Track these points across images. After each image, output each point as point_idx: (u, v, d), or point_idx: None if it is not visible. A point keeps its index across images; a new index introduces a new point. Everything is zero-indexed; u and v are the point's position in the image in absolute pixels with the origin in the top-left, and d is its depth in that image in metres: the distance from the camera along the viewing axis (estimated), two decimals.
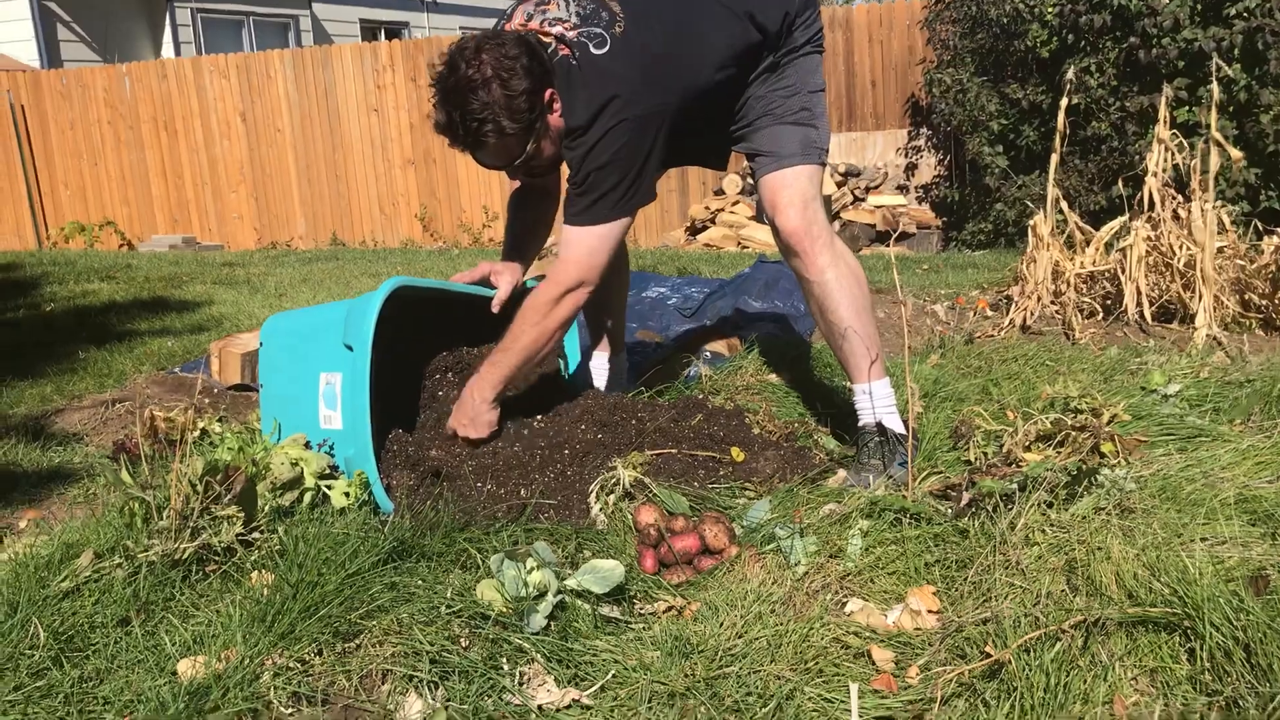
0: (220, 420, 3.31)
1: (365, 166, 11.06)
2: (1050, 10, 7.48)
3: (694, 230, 9.48)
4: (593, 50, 2.57)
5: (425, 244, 10.87)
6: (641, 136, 2.59)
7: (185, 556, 2.24)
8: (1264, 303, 4.32)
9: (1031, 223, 4.63)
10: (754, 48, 2.73)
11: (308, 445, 2.70)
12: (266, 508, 2.45)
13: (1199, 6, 6.86)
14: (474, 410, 2.73)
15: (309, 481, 2.56)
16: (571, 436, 2.83)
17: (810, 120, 2.80)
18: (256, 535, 2.35)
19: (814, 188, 2.78)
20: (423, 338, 3.01)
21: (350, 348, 2.61)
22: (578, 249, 2.68)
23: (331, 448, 2.70)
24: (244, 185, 11.44)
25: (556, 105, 2.59)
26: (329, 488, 2.57)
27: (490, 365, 2.74)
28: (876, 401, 2.77)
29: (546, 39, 2.61)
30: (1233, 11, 6.60)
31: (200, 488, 2.34)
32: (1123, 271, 4.46)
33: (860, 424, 2.81)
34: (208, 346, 4.36)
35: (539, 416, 2.94)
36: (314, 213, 11.31)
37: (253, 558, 2.26)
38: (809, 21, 2.81)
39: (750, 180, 7.79)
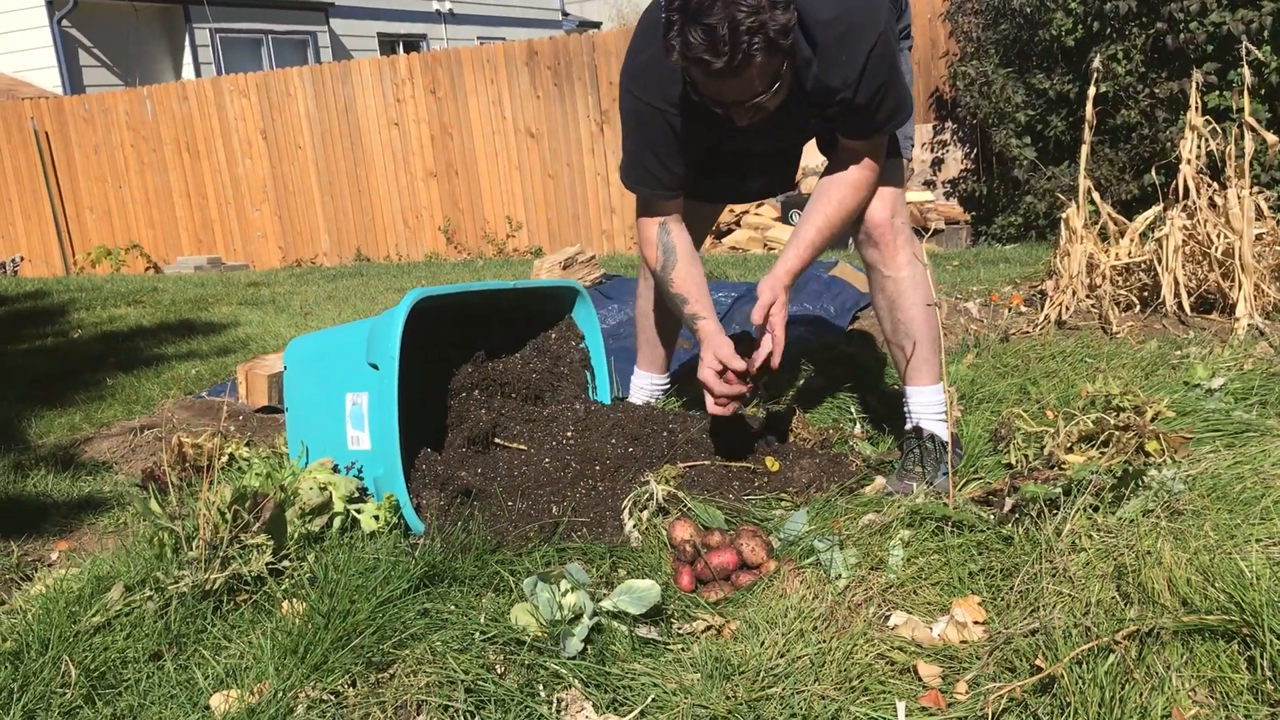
0: (248, 444, 3.29)
1: (387, 180, 11.07)
2: None
3: (719, 234, 9.42)
4: None
5: (450, 256, 10.87)
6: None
7: (216, 587, 2.22)
8: None
9: (1064, 215, 4.55)
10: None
11: (336, 468, 2.68)
12: (296, 534, 2.42)
13: None
14: (783, 289, 2.58)
15: (338, 506, 2.53)
16: (602, 451, 2.79)
17: (911, 114, 2.72)
18: (286, 563, 2.32)
19: (902, 181, 2.73)
20: (448, 354, 2.97)
21: (375, 366, 2.58)
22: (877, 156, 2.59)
23: (360, 469, 2.68)
24: (267, 203, 11.49)
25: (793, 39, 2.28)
26: (358, 511, 2.54)
27: (798, 248, 2.58)
28: (927, 408, 2.71)
29: None
30: None
31: (229, 516, 2.31)
32: (1159, 262, 4.37)
33: (907, 428, 2.75)
34: (234, 369, 4.35)
35: (570, 431, 2.90)
36: (338, 228, 11.34)
37: (283, 587, 2.23)
38: (907, 6, 2.75)
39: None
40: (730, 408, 2.60)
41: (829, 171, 2.59)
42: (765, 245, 9.02)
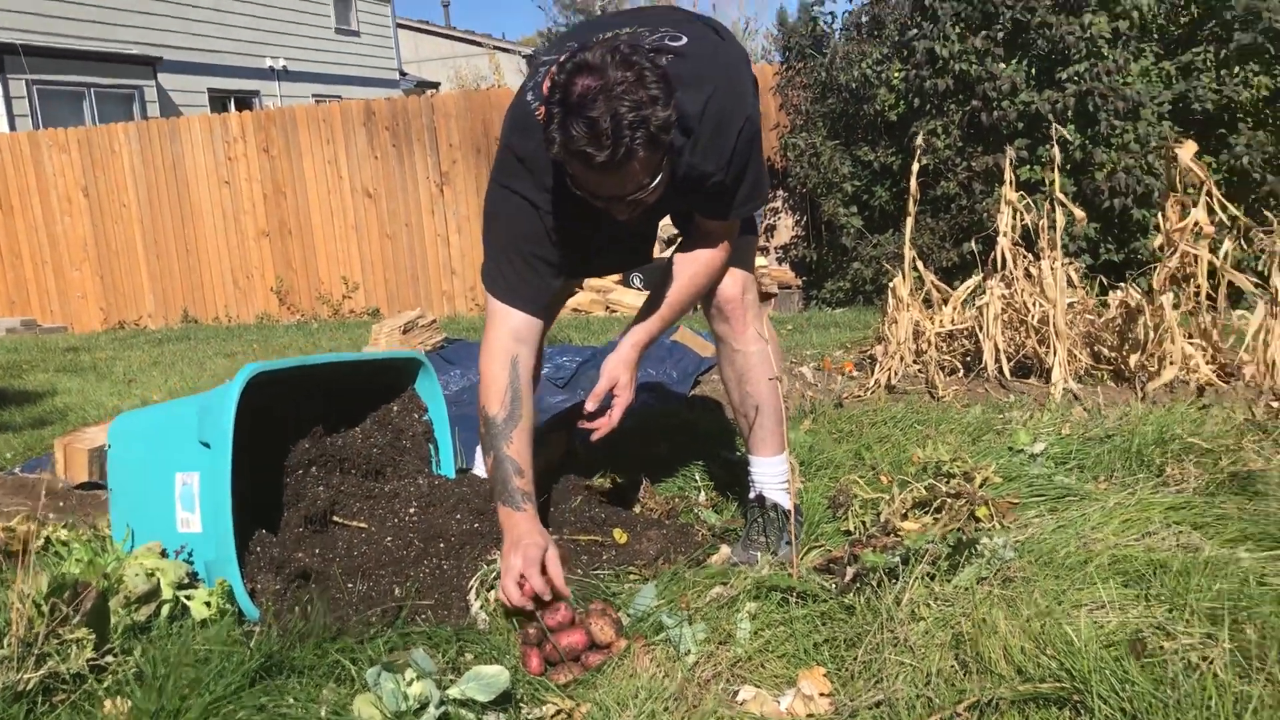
0: (67, 526, 3.10)
1: (217, 239, 10.74)
2: (896, 76, 7.75)
3: None
4: (671, 44, 2.41)
5: (282, 317, 10.58)
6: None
7: (29, 688, 2.06)
8: (1113, 355, 4.49)
9: (891, 285, 4.74)
10: None
11: (164, 552, 2.55)
12: (120, 626, 2.28)
13: (1034, 71, 7.20)
14: (632, 370, 2.58)
15: (166, 593, 2.40)
16: (446, 528, 2.73)
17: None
18: (110, 658, 2.18)
19: (753, 258, 2.79)
20: (283, 430, 2.88)
21: (207, 444, 2.48)
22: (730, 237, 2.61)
23: (191, 553, 2.55)
24: (88, 263, 10.98)
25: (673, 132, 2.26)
26: (189, 598, 2.42)
27: (650, 322, 2.59)
28: (771, 478, 2.76)
29: None
30: (1064, 76, 6.95)
31: (45, 609, 2.17)
32: (980, 329, 4.59)
33: (750, 497, 2.80)
34: (52, 442, 4.11)
35: (412, 507, 2.84)
36: (164, 289, 10.92)
37: (105, 684, 2.09)
38: (757, 92, 2.81)
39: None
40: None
41: (684, 248, 2.63)
42: (607, 308, 9.10)
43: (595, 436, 2.57)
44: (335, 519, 2.80)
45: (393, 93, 22.70)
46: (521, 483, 2.43)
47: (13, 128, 13.47)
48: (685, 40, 2.42)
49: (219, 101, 17.94)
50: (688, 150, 2.37)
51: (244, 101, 18.51)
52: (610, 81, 2.08)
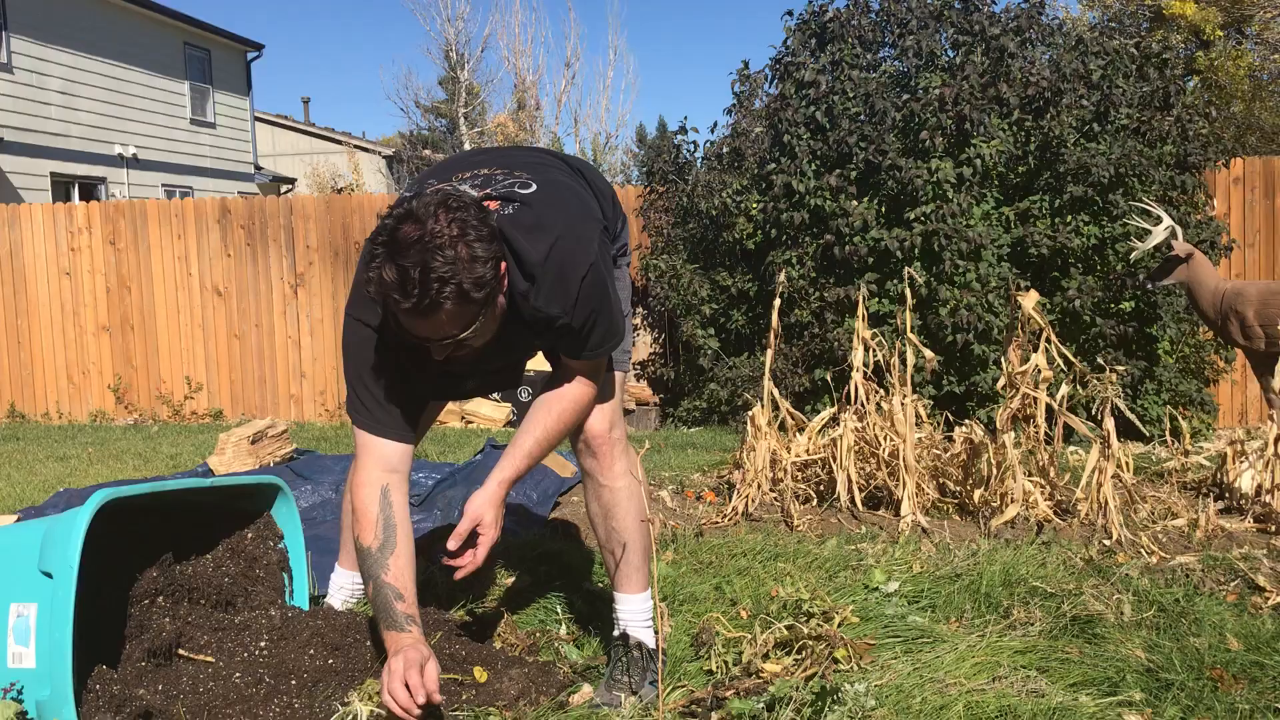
0: None
1: (53, 332, 10.27)
2: (754, 207, 8.04)
3: None
4: (520, 191, 2.49)
5: (119, 416, 10.13)
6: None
7: None
8: (958, 489, 4.67)
9: (750, 414, 4.85)
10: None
11: None
12: None
13: (884, 210, 7.57)
14: (498, 509, 2.55)
15: None
16: (299, 663, 2.63)
17: (629, 328, 2.85)
18: None
19: (620, 394, 2.83)
20: (128, 554, 2.74)
21: (49, 574, 2.34)
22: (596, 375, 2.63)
23: (20, 690, 2.39)
24: None
25: (505, 282, 2.36)
26: None
27: (517, 460, 2.59)
28: (635, 615, 2.75)
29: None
30: (912, 216, 7.33)
31: None
32: (834, 460, 4.72)
33: (615, 634, 2.78)
34: None
35: (264, 640, 2.73)
36: None
37: None
38: (625, 226, 2.89)
39: None
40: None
41: (550, 384, 2.66)
42: (464, 419, 9.01)
43: (458, 575, 2.55)
44: (180, 652, 2.66)
45: (247, 186, 22.35)
46: (403, 606, 2.41)
47: None
48: (534, 188, 2.52)
49: (62, 186, 17.32)
50: (532, 295, 2.45)
51: (89, 188, 17.92)
52: (428, 233, 2.18)
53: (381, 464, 2.53)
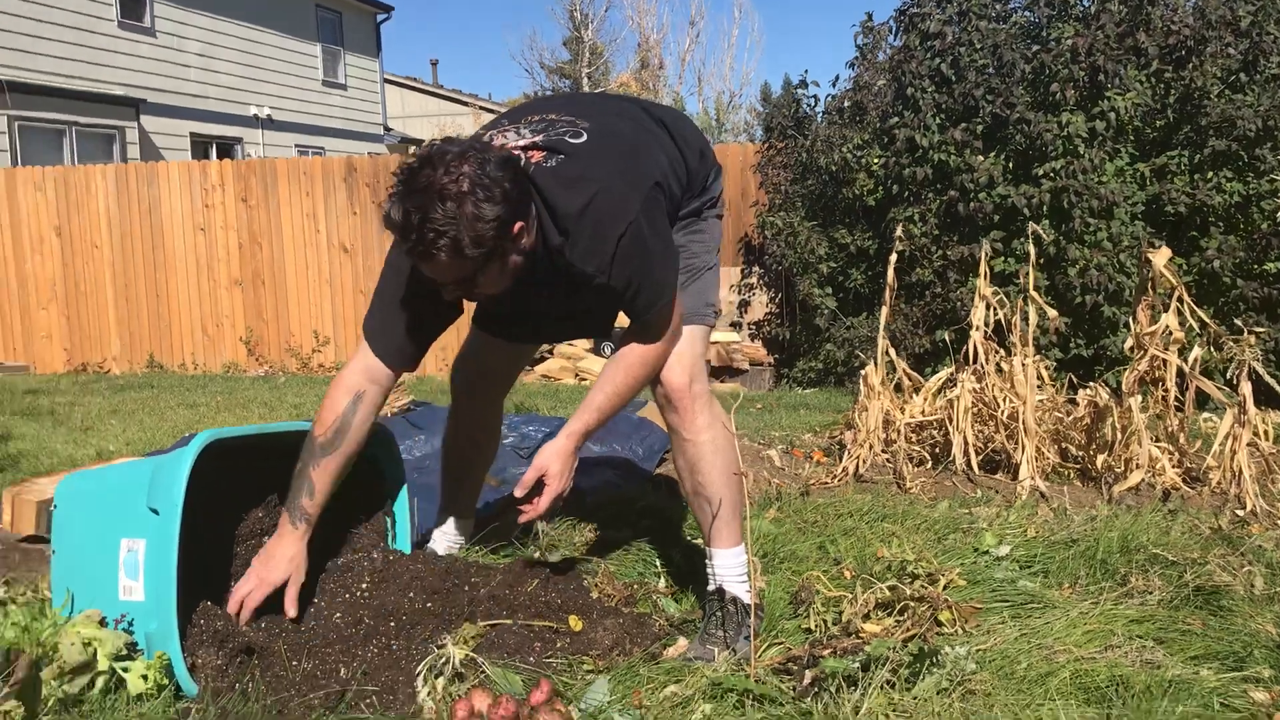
0: (7, 583, 3.01)
1: (189, 286, 10.66)
2: (875, 162, 7.83)
3: (532, 362, 9.42)
4: (570, 141, 2.48)
5: (250, 368, 10.48)
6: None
7: None
8: (1080, 454, 4.49)
9: (864, 373, 4.73)
10: (682, 183, 2.70)
11: (104, 621, 2.45)
12: (52, 698, 2.20)
13: (1011, 165, 7.29)
14: (565, 460, 2.60)
15: (103, 664, 2.31)
16: (399, 606, 2.66)
17: (713, 279, 2.81)
18: None
19: (703, 346, 2.77)
20: (236, 495, 2.81)
21: (156, 511, 2.41)
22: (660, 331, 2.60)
23: (131, 623, 2.47)
24: (55, 303, 10.86)
25: (524, 239, 2.37)
26: (126, 670, 2.33)
27: (588, 415, 2.63)
28: (728, 570, 2.71)
29: (515, 152, 2.45)
30: (1040, 172, 7.04)
31: None
32: (950, 422, 4.58)
33: (709, 590, 2.74)
34: (0, 491, 4.00)
35: (365, 583, 2.77)
36: (130, 333, 10.80)
37: None
38: (717, 178, 2.84)
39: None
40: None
41: (624, 339, 2.64)
42: (577, 375, 9.07)
43: (520, 520, 2.64)
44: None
45: (376, 147, 22.81)
46: (309, 504, 2.59)
47: None
48: (584, 139, 2.49)
49: (201, 146, 17.94)
50: (567, 249, 2.44)
51: (226, 148, 18.52)
52: (436, 183, 2.21)
53: (366, 374, 2.63)
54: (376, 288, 2.66)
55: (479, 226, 2.23)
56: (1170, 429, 4.36)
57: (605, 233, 2.40)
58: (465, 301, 2.65)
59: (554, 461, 2.59)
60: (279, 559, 2.57)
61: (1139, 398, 4.22)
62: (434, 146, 2.29)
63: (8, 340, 11.00)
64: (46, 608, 2.69)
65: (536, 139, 2.48)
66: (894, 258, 4.88)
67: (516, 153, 2.44)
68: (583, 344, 9.30)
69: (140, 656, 2.39)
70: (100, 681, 2.31)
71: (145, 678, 2.32)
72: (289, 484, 2.67)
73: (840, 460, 4.65)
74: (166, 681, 2.31)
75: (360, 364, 2.64)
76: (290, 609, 2.56)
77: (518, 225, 2.32)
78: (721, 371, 8.88)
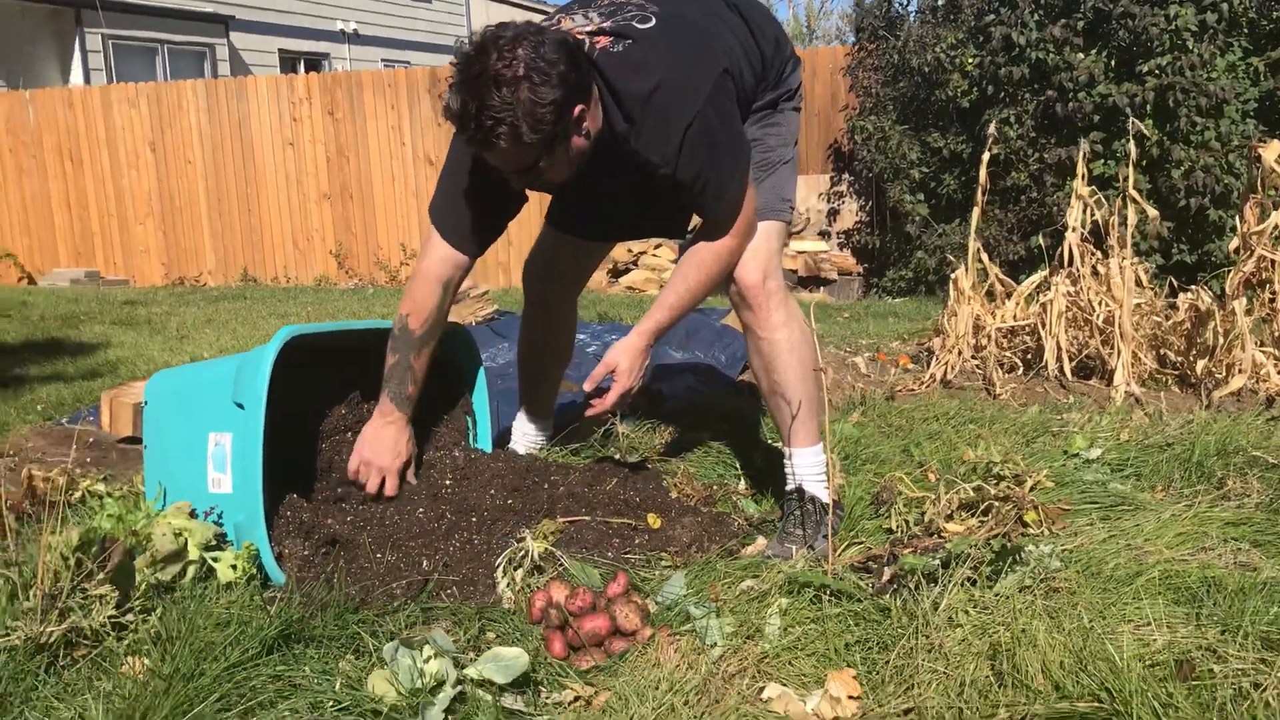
0: (104, 480, 3.11)
1: (279, 200, 10.81)
2: (970, 62, 7.56)
3: (616, 273, 9.40)
4: (637, 25, 2.42)
5: (340, 281, 10.64)
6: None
7: (51, 641, 2.06)
8: (1179, 359, 4.34)
9: (953, 276, 4.61)
10: (757, 73, 2.63)
11: (194, 513, 2.52)
12: (145, 584, 2.27)
13: (1113, 63, 6.98)
14: (635, 357, 2.60)
15: (193, 554, 2.38)
16: (480, 502, 2.69)
17: (789, 174, 2.74)
18: (131, 616, 2.17)
19: (778, 243, 2.70)
20: (320, 394, 2.85)
21: (241, 406, 2.45)
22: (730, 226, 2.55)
23: (220, 515, 2.53)
24: (151, 218, 11.11)
25: (587, 122, 2.32)
26: (215, 560, 2.39)
27: (659, 313, 2.61)
28: (807, 469, 2.67)
29: (580, 37, 2.40)
30: (1145, 69, 6.73)
31: (71, 563, 2.16)
32: (1043, 326, 4.45)
33: (788, 489, 2.71)
34: (99, 394, 4.13)
35: (448, 479, 2.80)
36: (225, 247, 11.02)
37: (126, 642, 2.08)
38: (795, 69, 2.76)
39: None
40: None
41: (695, 237, 2.59)
42: (662, 286, 9.02)
43: (587, 414, 2.66)
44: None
45: None
46: (413, 390, 2.69)
47: (87, 81, 13.65)
48: (653, 23, 2.42)
49: (289, 62, 18.06)
50: (632, 137, 2.39)
51: (313, 63, 18.61)
52: (491, 69, 2.18)
53: (447, 263, 2.67)
54: (440, 175, 2.67)
55: (537, 111, 2.19)
56: (1276, 333, 4.18)
57: (671, 121, 2.35)
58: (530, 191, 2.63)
59: (624, 358, 2.57)
60: (387, 443, 2.68)
61: (1243, 300, 4.05)
62: (488, 32, 2.24)
63: (109, 255, 11.30)
64: (140, 500, 2.78)
65: (604, 24, 2.42)
66: (987, 155, 4.71)
67: (582, 37, 2.38)
68: (667, 255, 9.23)
69: (229, 548, 2.46)
70: (191, 570, 2.37)
71: (234, 567, 2.38)
72: (375, 380, 2.71)
73: (928, 367, 4.56)
74: (254, 571, 2.37)
75: (438, 254, 2.67)
76: (392, 491, 2.69)
77: (578, 108, 2.27)
78: (809, 281, 8.76)
